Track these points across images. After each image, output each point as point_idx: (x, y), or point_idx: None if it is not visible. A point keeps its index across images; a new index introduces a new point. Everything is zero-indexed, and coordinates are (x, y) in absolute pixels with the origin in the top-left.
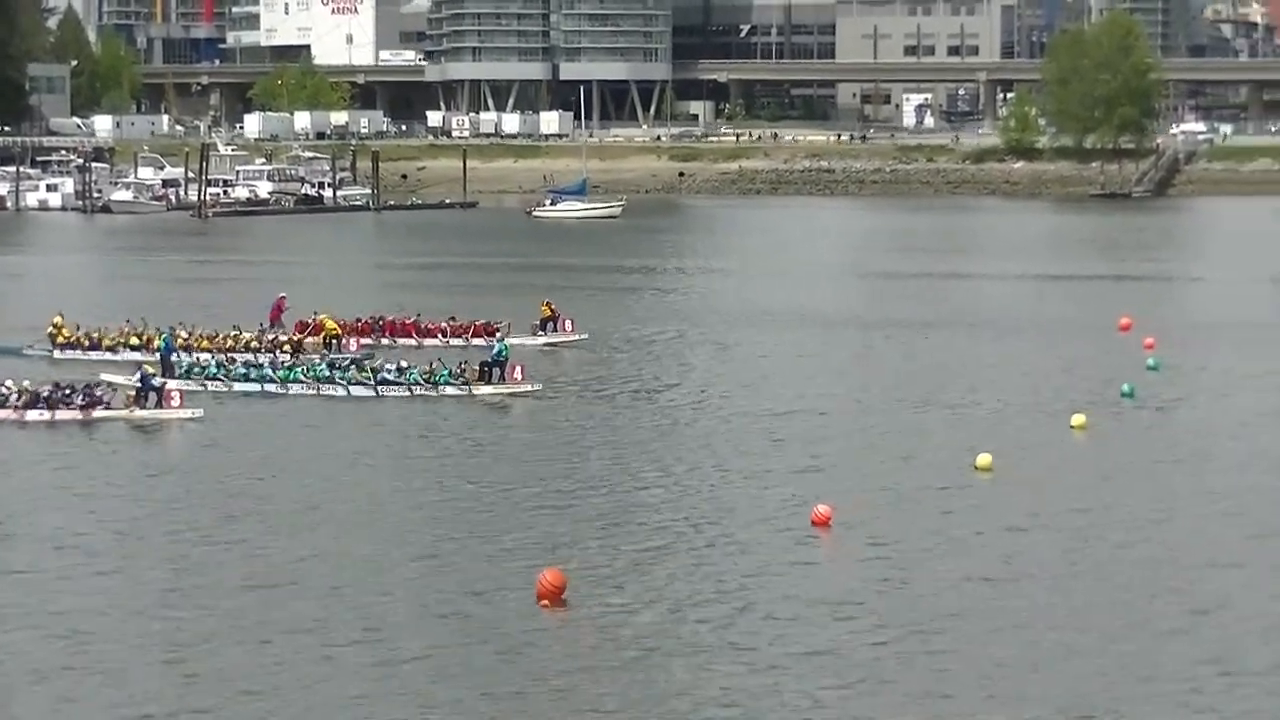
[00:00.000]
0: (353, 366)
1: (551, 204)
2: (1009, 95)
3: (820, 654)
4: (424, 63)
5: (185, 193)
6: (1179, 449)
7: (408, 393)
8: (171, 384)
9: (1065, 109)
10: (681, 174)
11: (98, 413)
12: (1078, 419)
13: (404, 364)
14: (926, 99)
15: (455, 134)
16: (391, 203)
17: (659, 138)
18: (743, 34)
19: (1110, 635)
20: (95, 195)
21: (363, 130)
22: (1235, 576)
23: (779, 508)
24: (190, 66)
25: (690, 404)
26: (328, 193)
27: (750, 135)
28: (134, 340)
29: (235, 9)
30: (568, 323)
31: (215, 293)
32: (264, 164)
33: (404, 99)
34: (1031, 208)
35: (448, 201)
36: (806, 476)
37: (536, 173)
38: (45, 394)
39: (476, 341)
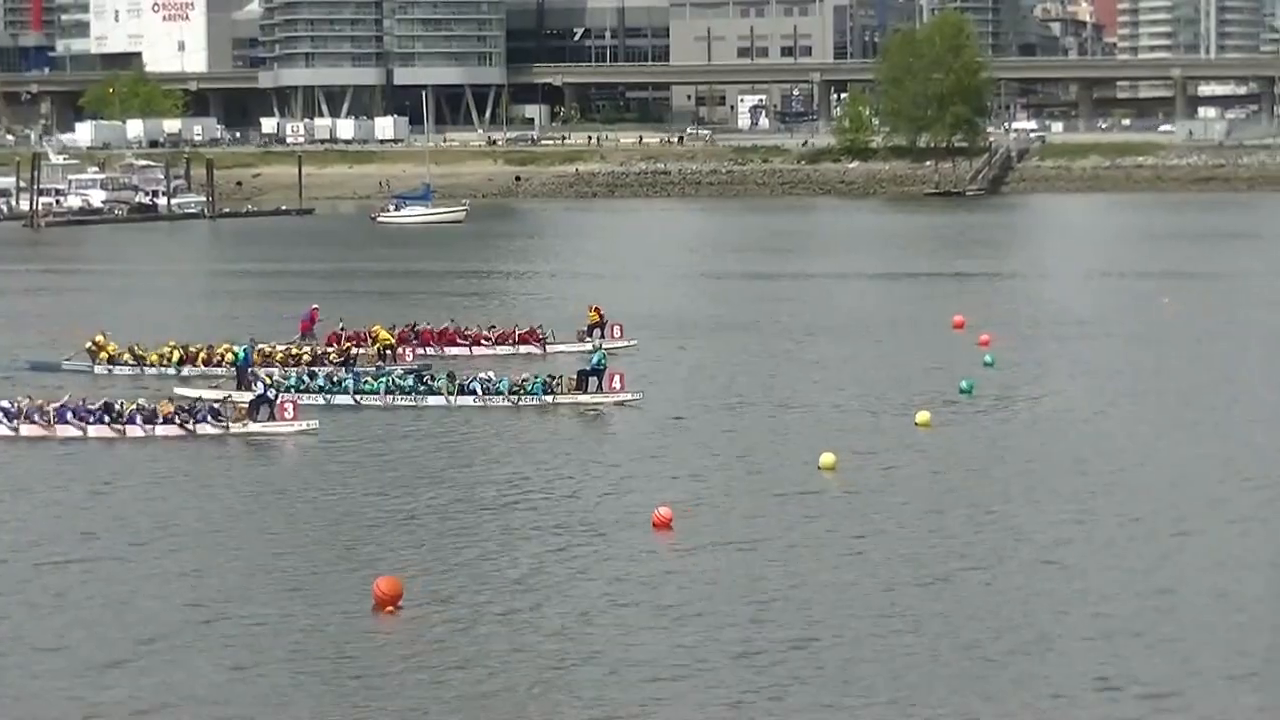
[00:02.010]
0: (445, 378)
1: (396, 209)
2: (843, 95)
3: (657, 655)
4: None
5: (17, 202)
6: (1022, 445)
7: (508, 403)
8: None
9: (898, 108)
10: (518, 178)
11: (210, 427)
12: (922, 416)
13: (491, 374)
14: (761, 100)
15: (290, 140)
16: (227, 210)
17: (495, 142)
18: (576, 37)
19: (953, 634)
20: None
21: (196, 138)
22: (1081, 574)
23: (621, 510)
24: (19, 75)
25: (535, 404)
26: (162, 201)
27: (594, 139)
28: (177, 355)
29: (65, 17)
30: (616, 328)
31: (52, 304)
32: (97, 173)
33: (238, 106)
34: (866, 207)
35: (283, 208)
36: (648, 479)
37: (372, 178)
38: (159, 410)
39: (523, 349)
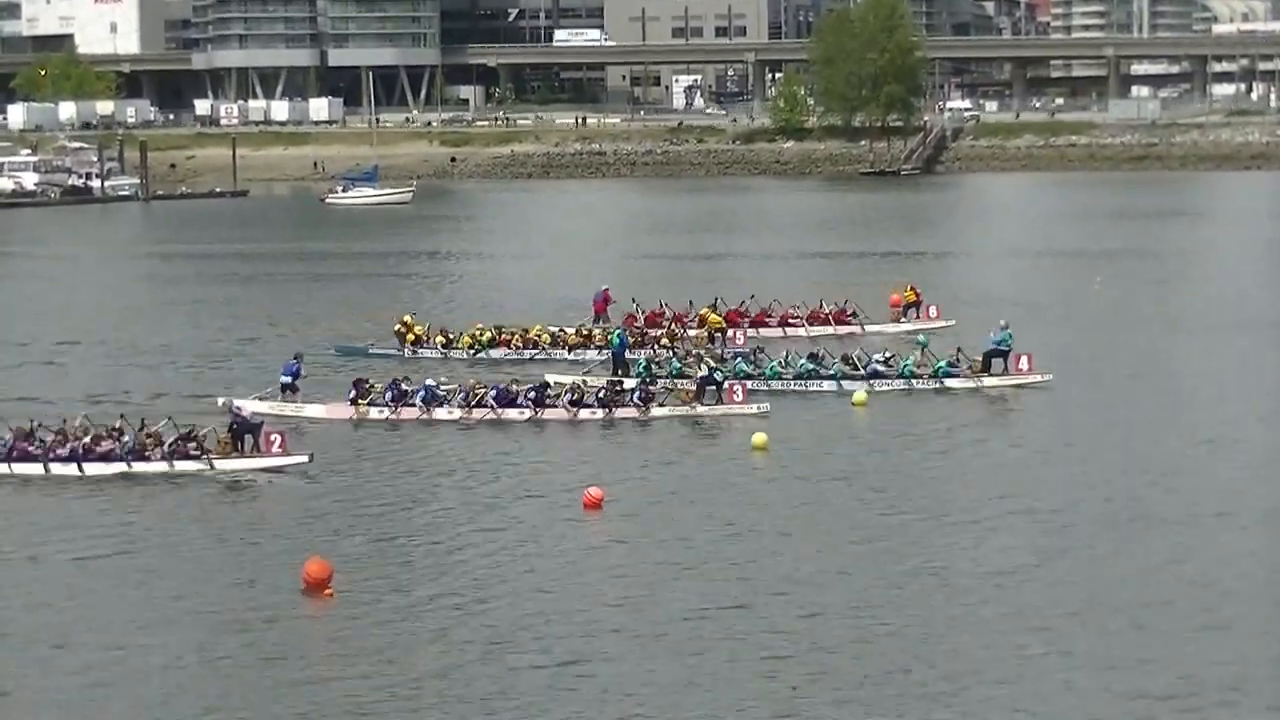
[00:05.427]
0: (841, 361)
1: (344, 191)
2: (777, 75)
3: (588, 640)
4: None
5: None
6: (958, 424)
7: (905, 386)
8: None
9: (833, 88)
10: (453, 159)
11: (653, 410)
12: (859, 395)
13: (889, 356)
14: (696, 80)
15: (224, 122)
16: (160, 192)
17: (430, 123)
18: (511, 18)
19: (881, 614)
20: None
21: (130, 120)
22: (1017, 554)
23: (552, 491)
24: None
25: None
26: (95, 183)
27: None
28: (488, 336)
29: None
30: (932, 309)
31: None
32: (29, 155)
33: (171, 88)
34: (802, 186)
35: (218, 190)
36: (581, 459)
37: (306, 160)
38: (599, 392)
39: (840, 330)
